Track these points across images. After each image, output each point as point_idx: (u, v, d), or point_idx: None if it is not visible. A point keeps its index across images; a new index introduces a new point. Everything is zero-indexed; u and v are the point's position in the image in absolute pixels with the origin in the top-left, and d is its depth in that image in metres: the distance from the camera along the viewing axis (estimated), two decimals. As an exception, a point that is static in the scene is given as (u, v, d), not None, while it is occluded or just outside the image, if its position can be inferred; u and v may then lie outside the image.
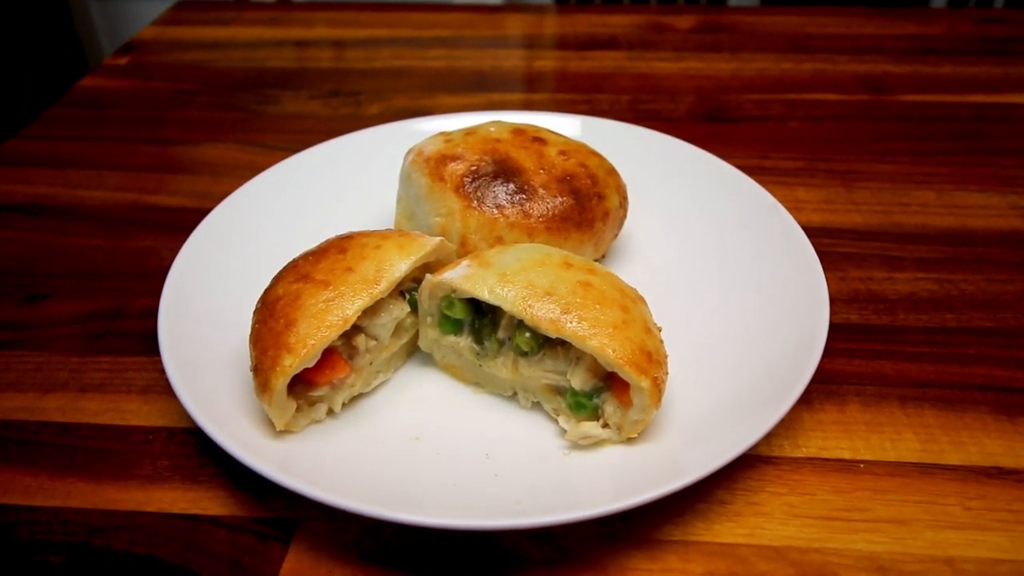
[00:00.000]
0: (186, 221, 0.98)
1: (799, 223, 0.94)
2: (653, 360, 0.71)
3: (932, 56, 1.52)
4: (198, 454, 0.77)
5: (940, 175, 1.17)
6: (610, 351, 0.69)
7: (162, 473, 0.75)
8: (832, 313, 0.91)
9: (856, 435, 0.78)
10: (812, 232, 1.04)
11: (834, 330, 0.89)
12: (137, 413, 0.82)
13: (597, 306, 0.72)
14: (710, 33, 1.65)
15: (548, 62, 1.55)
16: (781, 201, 1.11)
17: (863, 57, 1.52)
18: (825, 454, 0.76)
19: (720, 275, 0.92)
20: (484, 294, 0.74)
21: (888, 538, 0.68)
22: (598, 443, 0.73)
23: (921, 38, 1.59)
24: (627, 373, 0.69)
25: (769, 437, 0.77)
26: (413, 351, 0.83)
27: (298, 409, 0.73)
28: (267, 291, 0.76)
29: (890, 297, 0.95)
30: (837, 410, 0.81)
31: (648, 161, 1.08)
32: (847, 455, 0.76)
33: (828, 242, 1.04)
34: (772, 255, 0.91)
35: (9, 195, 1.17)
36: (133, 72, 1.54)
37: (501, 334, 0.76)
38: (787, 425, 0.79)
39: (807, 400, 0.81)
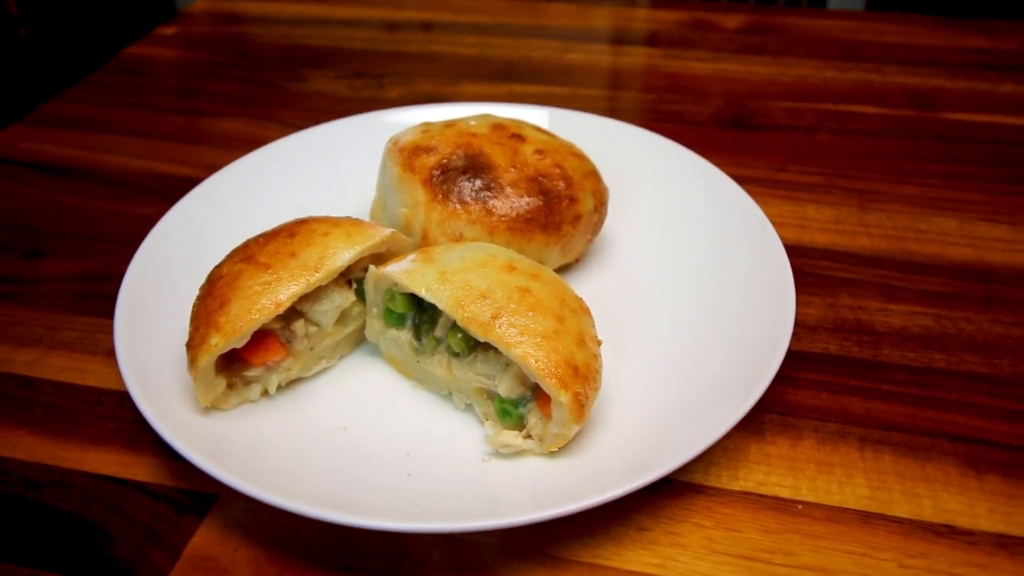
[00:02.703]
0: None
1: (802, 243, 0.89)
2: (579, 375, 0.68)
3: (993, 72, 1.40)
4: (142, 420, 0.79)
5: (969, 202, 1.08)
6: (533, 361, 0.67)
7: (105, 435, 0.78)
8: (811, 342, 0.87)
9: (802, 473, 0.73)
10: (813, 253, 0.99)
11: (808, 359, 0.85)
12: (98, 375, 0.85)
13: (530, 313, 0.70)
14: (756, 34, 1.57)
15: (579, 55, 1.51)
16: (787, 218, 1.06)
17: (917, 70, 1.42)
18: (763, 490, 0.72)
19: (691, 290, 0.88)
20: (421, 291, 0.73)
21: (807, 587, 0.64)
22: (520, 453, 0.71)
23: (988, 53, 1.48)
24: (548, 385, 0.67)
25: (708, 465, 0.74)
26: (362, 341, 0.83)
27: (231, 387, 0.74)
28: (214, 269, 0.78)
29: (879, 330, 0.89)
30: (789, 445, 0.76)
31: (642, 165, 1.05)
32: (787, 494, 0.72)
33: (826, 265, 0.98)
34: (748, 274, 0.86)
35: (34, 153, 1.23)
36: (177, 42, 1.60)
37: (438, 332, 0.75)
38: (731, 455, 0.75)
39: (759, 431, 0.77)
